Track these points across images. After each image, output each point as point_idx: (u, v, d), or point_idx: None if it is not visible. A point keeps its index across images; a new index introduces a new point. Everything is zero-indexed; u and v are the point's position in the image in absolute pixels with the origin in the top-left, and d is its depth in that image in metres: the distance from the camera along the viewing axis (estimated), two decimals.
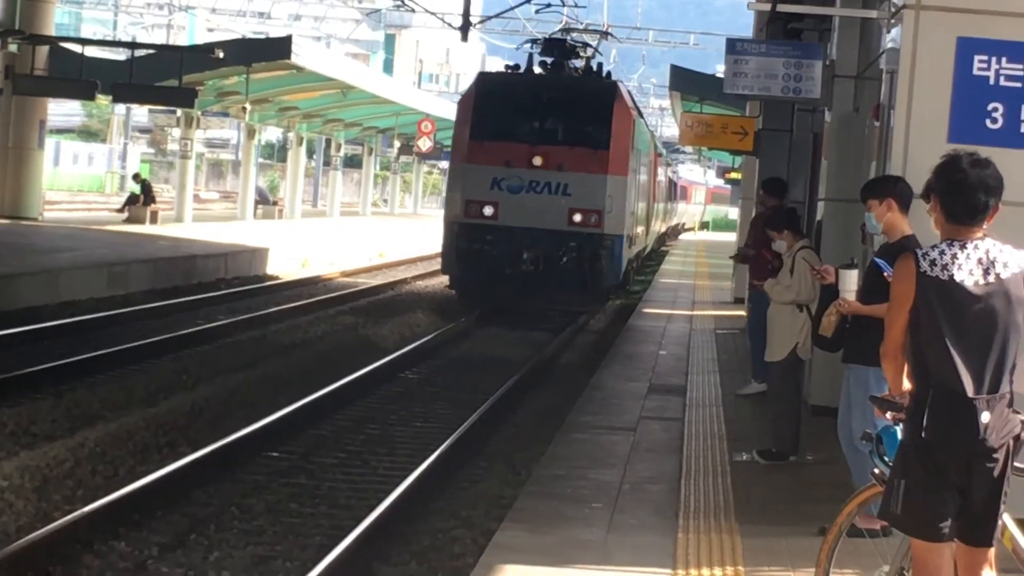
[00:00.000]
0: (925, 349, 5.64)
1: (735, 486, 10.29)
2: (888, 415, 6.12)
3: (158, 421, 12.99)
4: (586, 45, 28.24)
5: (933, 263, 5.57)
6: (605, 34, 32.15)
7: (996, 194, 5.63)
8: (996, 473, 5.59)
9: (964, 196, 5.59)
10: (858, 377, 8.39)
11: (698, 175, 78.88)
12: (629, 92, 27.38)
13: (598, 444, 12.15)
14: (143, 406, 13.82)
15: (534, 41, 26.50)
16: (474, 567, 7.77)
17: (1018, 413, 5.70)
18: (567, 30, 29.32)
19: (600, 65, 26.48)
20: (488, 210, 21.67)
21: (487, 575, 7.53)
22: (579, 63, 25.38)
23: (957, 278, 5.52)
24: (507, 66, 27.17)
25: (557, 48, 24.88)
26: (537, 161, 21.67)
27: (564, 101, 22.72)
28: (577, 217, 21.70)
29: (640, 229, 29.32)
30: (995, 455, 5.58)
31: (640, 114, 28.96)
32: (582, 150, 21.96)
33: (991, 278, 5.58)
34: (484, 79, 24.03)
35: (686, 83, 31.11)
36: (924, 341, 5.63)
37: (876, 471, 6.38)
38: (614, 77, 27.36)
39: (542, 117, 22.65)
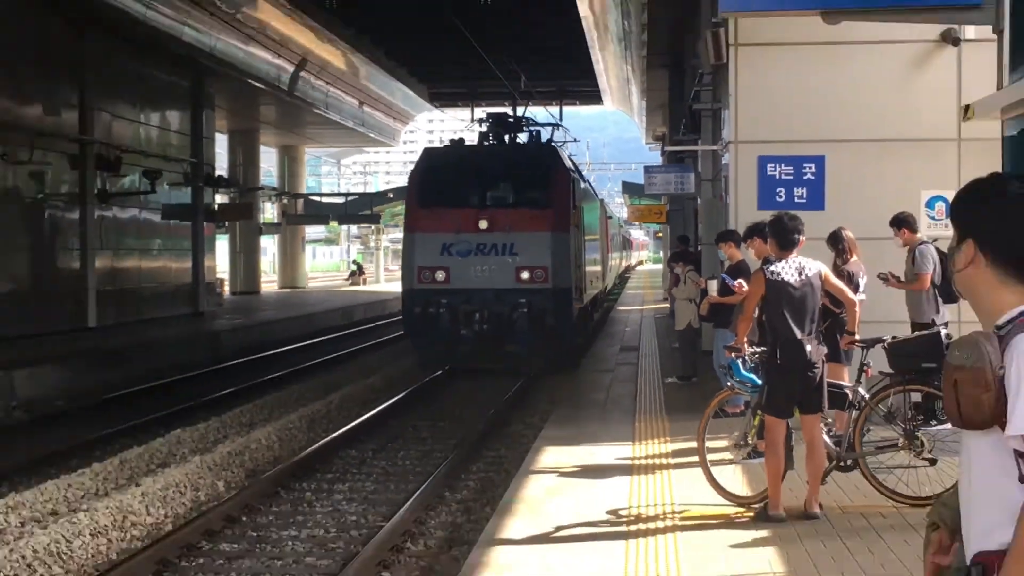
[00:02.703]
0: (774, 318, 8.81)
1: (665, 396, 16.41)
2: (732, 355, 9.59)
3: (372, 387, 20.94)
4: (529, 120, 27.06)
5: (773, 272, 8.78)
6: (557, 125, 31.64)
7: (801, 232, 8.96)
8: (817, 377, 8.87)
9: (788, 236, 8.91)
10: (721, 335, 13.53)
11: (638, 234, 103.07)
12: (570, 157, 26.72)
13: (594, 379, 19.16)
14: (361, 378, 21.92)
15: (482, 120, 25.65)
16: (529, 448, 12.94)
17: (822, 345, 9.03)
18: (521, 117, 27.28)
19: (538, 134, 25.79)
20: (440, 275, 20.84)
21: (538, 452, 12.25)
22: (523, 137, 24.69)
23: (784, 277, 8.76)
24: (451, 140, 26.03)
25: (501, 122, 24.43)
26: (483, 224, 20.77)
27: (505, 167, 21.95)
28: (524, 275, 20.66)
29: (595, 274, 28.72)
30: (815, 367, 8.85)
31: (582, 177, 28.07)
32: (525, 211, 20.94)
33: (804, 276, 8.82)
34: (428, 153, 23.14)
35: (630, 189, 45.17)
36: (772, 314, 8.81)
37: (729, 384, 10.09)
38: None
39: (485, 183, 21.66)
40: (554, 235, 20.54)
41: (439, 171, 21.73)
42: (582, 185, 25.87)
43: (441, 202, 21.10)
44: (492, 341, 20.53)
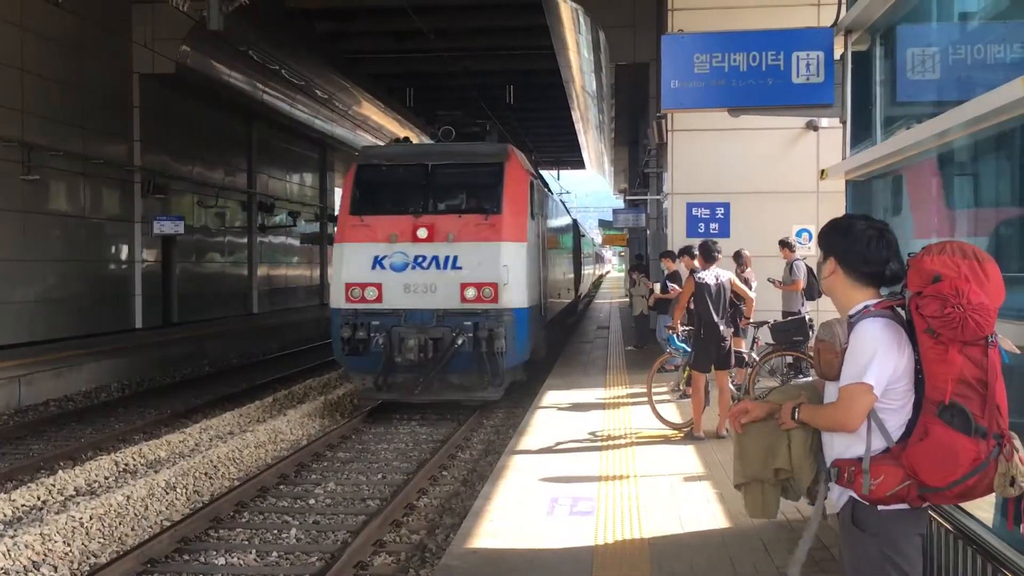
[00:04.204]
0: (699, 308, 8.74)
1: (626, 357, 15.87)
2: (670, 331, 9.53)
3: None
4: (486, 123, 15.09)
5: (700, 278, 8.76)
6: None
7: (720, 252, 8.88)
8: (726, 347, 8.78)
9: (711, 254, 8.83)
10: (662, 318, 13.20)
11: (608, 253, 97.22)
12: (526, 158, 14.77)
13: (579, 348, 18.12)
14: None
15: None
16: (537, 392, 12.30)
17: (729, 326, 8.81)
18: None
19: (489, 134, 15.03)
20: (371, 293, 12.24)
21: (543, 395, 11.88)
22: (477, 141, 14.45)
23: (707, 281, 8.75)
24: (395, 139, 16.04)
25: (452, 123, 14.46)
26: (422, 234, 12.21)
27: (450, 167, 12.94)
28: (471, 292, 12.07)
29: (565, 285, 19.58)
30: (725, 340, 8.77)
31: (546, 185, 17.65)
32: (472, 218, 12.33)
33: (719, 281, 8.80)
34: (364, 152, 14.36)
35: (603, 224, 42.92)
36: (698, 305, 8.73)
37: (668, 351, 9.96)
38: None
39: (426, 186, 12.77)
40: (507, 245, 12.25)
41: (374, 172, 13.08)
42: (548, 194, 16.81)
43: (375, 208, 12.70)
44: (431, 370, 12.12)
